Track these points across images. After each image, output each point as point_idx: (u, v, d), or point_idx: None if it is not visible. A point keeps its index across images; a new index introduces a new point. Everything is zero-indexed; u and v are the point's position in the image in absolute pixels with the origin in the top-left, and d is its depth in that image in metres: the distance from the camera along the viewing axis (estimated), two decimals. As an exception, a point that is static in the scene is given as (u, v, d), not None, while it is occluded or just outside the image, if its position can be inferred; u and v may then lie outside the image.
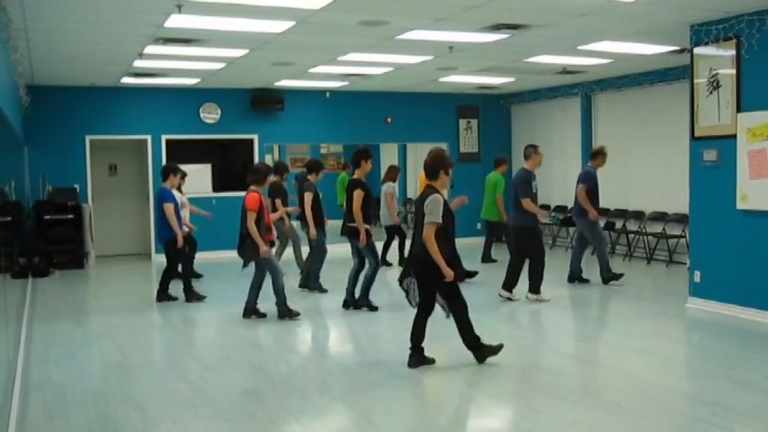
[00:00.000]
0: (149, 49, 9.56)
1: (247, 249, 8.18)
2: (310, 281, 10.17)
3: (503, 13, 7.91)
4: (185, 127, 14.09)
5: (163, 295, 9.67)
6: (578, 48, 10.09)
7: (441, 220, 5.94)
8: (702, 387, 5.92)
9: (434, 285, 6.21)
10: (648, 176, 12.95)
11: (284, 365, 6.78)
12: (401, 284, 6.44)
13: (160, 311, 9.42)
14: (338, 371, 6.54)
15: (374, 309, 8.77)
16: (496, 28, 8.59)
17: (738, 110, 8.00)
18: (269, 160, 18.35)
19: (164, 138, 13.94)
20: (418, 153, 18.72)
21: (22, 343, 7.47)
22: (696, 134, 8.56)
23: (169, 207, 9.32)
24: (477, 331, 6.36)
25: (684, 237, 11.50)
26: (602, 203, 13.78)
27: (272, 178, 9.11)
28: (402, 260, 12.47)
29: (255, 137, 14.57)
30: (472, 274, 10.71)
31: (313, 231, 9.72)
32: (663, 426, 5.00)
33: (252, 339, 7.83)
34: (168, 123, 14.00)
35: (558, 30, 8.71)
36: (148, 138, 13.89)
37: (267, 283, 8.45)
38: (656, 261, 12.25)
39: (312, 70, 11.96)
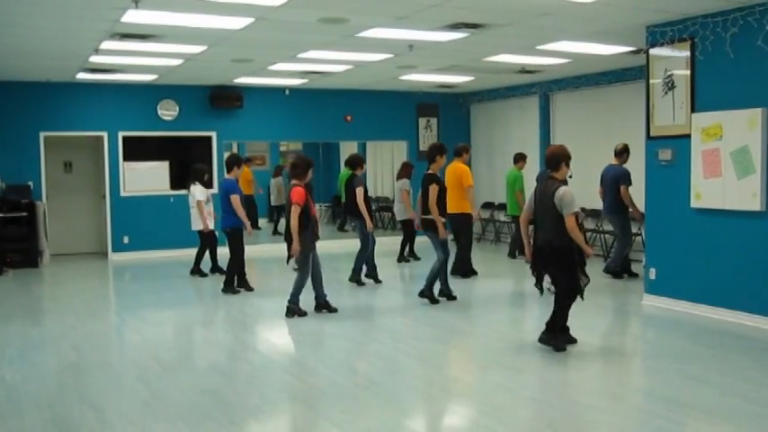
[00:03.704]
0: (105, 45, 9.41)
1: (288, 244, 8.14)
2: (368, 271, 10.38)
3: (462, 13, 7.95)
4: (143, 124, 13.87)
5: (235, 287, 9.76)
6: (537, 47, 10.18)
7: (578, 208, 6.62)
8: (657, 383, 6.02)
9: (564, 269, 6.66)
10: (605, 175, 13.10)
11: (244, 365, 6.74)
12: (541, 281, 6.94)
13: (117, 312, 9.28)
14: (299, 370, 6.53)
15: (435, 302, 8.85)
16: (456, 27, 8.63)
17: (693, 110, 8.14)
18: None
19: (120, 135, 13.70)
20: (377, 151, 18.71)
21: (-27, 344, 7.31)
22: (652, 134, 8.70)
23: (236, 198, 9.64)
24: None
25: (640, 235, 11.68)
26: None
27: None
28: (403, 255, 12.48)
29: (214, 134, 14.40)
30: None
31: (370, 225, 10.01)
32: (618, 421, 5.07)
33: (211, 339, 7.75)
34: (125, 120, 13.77)
35: (516, 29, 8.78)
36: (105, 134, 13.65)
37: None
38: (613, 258, 12.39)
39: (271, 67, 11.88)
